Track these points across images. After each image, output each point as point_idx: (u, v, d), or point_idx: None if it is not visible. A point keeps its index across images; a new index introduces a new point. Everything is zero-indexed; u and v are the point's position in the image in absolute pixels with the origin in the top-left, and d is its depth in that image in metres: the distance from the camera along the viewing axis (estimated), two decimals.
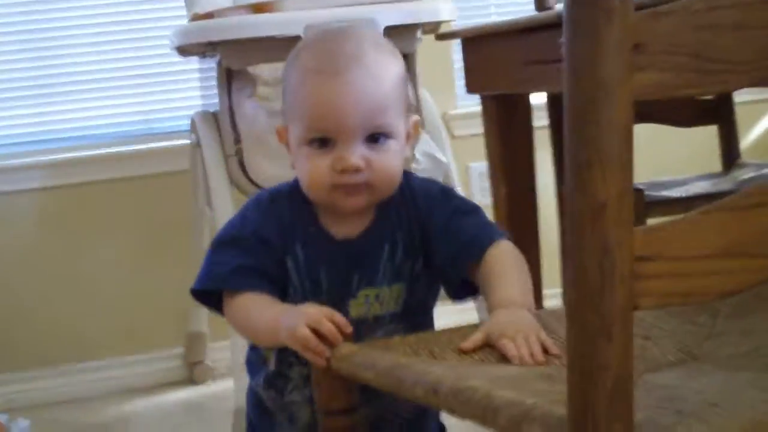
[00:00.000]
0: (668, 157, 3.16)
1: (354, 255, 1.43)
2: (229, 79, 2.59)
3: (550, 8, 2.47)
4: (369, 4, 2.52)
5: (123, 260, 3.10)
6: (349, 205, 1.38)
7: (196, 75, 3.05)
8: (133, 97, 3.17)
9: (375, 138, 1.37)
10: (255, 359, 1.50)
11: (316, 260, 1.41)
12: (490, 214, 2.63)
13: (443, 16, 2.58)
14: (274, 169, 2.56)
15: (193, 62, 2.95)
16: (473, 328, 1.33)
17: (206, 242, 2.91)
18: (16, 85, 3.08)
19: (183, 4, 2.88)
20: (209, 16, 2.52)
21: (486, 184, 3.34)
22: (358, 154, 1.36)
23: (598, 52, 0.84)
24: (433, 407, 1.08)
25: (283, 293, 1.41)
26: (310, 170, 1.37)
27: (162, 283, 3.11)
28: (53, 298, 3.06)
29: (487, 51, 2.20)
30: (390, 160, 1.38)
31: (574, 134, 0.85)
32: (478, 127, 2.32)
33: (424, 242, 1.44)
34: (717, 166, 2.77)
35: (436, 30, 2.63)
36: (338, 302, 1.39)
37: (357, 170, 1.35)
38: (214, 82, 2.72)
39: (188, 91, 3.14)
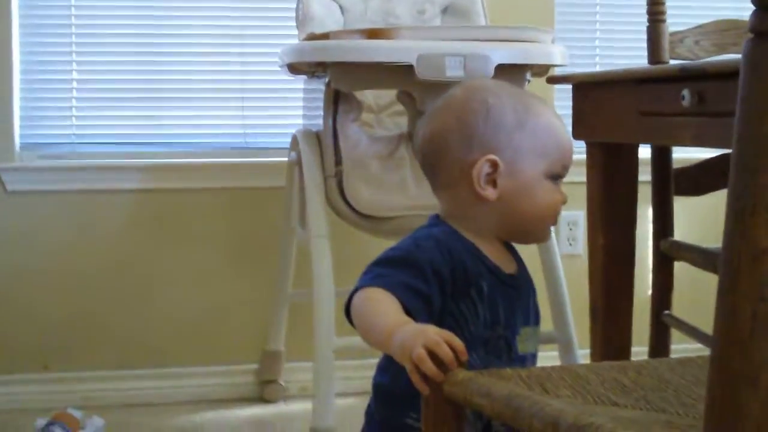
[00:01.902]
0: None
1: (517, 290, 1.51)
2: (336, 100, 2.61)
3: (664, 62, 2.46)
4: (483, 41, 2.52)
5: (208, 270, 3.12)
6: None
7: (297, 94, 3.07)
8: (234, 110, 3.20)
9: None
10: (406, 391, 1.39)
11: (495, 293, 1.46)
12: (581, 264, 2.63)
13: (555, 60, 2.58)
14: (371, 194, 2.57)
15: (294, 81, 2.97)
16: (583, 366, 1.33)
17: (292, 260, 2.94)
18: (126, 87, 3.13)
19: (288, 22, 2.92)
20: (325, 37, 2.53)
21: (575, 233, 3.35)
22: None
23: None
24: None
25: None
26: (551, 202, 1.51)
27: (244, 297, 3.12)
28: (135, 301, 3.09)
29: (598, 98, 2.19)
30: None
31: (740, 179, 0.84)
32: (570, 175, 2.28)
33: None
34: None
35: (545, 73, 2.62)
36: (510, 336, 1.46)
37: None
38: (317, 103, 2.74)
39: (287, 109, 3.16)
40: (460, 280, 1.43)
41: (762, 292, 0.83)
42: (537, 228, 1.53)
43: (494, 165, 1.46)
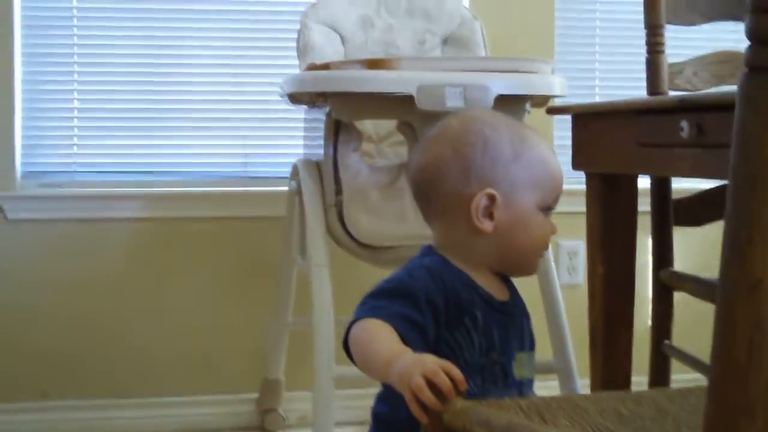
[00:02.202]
0: None
1: (511, 317, 1.52)
2: (337, 130, 2.62)
3: (663, 93, 2.47)
4: (483, 72, 2.53)
5: (207, 299, 3.12)
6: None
7: (297, 123, 3.08)
8: (234, 139, 3.21)
9: None
10: (407, 420, 1.38)
11: (489, 321, 1.47)
12: (581, 293, 2.63)
13: (555, 91, 2.59)
14: (371, 223, 2.58)
15: (295, 111, 2.99)
16: (582, 397, 1.33)
17: (292, 289, 2.94)
18: (128, 116, 3.14)
19: (288, 52, 2.93)
20: (325, 67, 2.55)
21: (575, 263, 3.36)
22: None
23: None
24: None
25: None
26: (544, 233, 1.53)
27: (244, 326, 3.12)
28: (133, 329, 3.09)
29: (597, 129, 2.20)
30: None
31: (737, 210, 0.85)
32: (570, 205, 2.28)
33: None
34: None
35: (544, 103, 2.63)
36: (506, 362, 1.47)
37: None
38: (317, 132, 2.75)
39: (288, 139, 3.17)
40: (453, 309, 1.43)
41: (759, 322, 0.83)
42: (529, 260, 1.54)
43: (492, 199, 1.47)
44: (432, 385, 1.23)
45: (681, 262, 2.57)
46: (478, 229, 1.47)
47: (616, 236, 2.28)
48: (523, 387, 1.50)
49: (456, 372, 1.24)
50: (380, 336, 1.36)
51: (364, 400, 3.06)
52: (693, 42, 3.19)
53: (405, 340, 1.36)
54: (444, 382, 1.22)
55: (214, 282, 3.13)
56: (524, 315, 1.55)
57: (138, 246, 3.10)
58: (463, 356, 1.43)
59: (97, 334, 3.07)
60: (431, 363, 1.25)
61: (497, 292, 1.52)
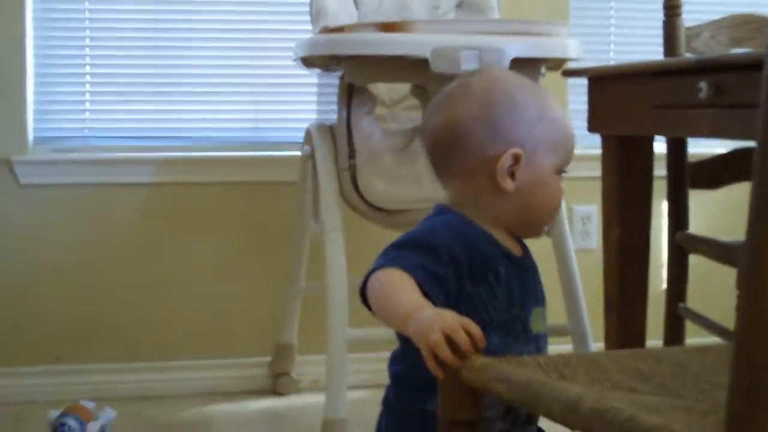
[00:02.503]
0: None
1: (527, 272, 1.52)
2: (350, 94, 2.61)
3: (679, 56, 2.45)
4: (498, 34, 2.52)
5: (220, 264, 3.12)
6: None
7: (310, 89, 3.07)
8: (247, 104, 3.21)
9: None
10: (426, 378, 1.34)
11: (510, 276, 1.46)
12: (595, 258, 2.63)
13: (570, 54, 2.57)
14: (385, 186, 2.58)
15: (308, 75, 2.97)
16: (601, 354, 1.32)
17: (305, 254, 2.94)
18: (139, 81, 3.13)
19: (301, 16, 2.92)
20: (339, 30, 2.53)
21: (588, 228, 3.34)
22: None
23: None
24: (569, 426, 1.06)
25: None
26: (558, 197, 1.53)
27: (256, 290, 3.12)
28: (147, 294, 3.09)
29: (614, 91, 2.19)
30: None
31: (763, 178, 0.84)
32: (584, 170, 2.26)
33: None
34: None
35: (559, 67, 2.62)
36: (525, 317, 1.46)
37: None
38: (330, 97, 2.74)
39: (300, 104, 3.16)
40: (477, 265, 1.43)
41: None
42: (543, 220, 1.54)
43: (517, 158, 1.46)
44: (450, 341, 1.22)
45: (696, 226, 2.56)
46: (501, 188, 1.47)
47: (632, 199, 2.27)
48: (539, 341, 1.49)
49: (475, 329, 1.23)
50: (401, 287, 1.35)
51: (376, 363, 3.09)
52: (709, 6, 3.18)
53: (426, 292, 1.35)
54: (463, 339, 1.22)
55: (227, 246, 3.13)
56: (536, 270, 1.56)
57: (150, 211, 3.09)
58: (488, 312, 1.42)
59: (110, 298, 3.07)
60: (451, 319, 1.24)
61: (514, 248, 1.52)
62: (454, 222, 1.48)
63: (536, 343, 1.48)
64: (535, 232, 1.56)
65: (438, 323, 1.23)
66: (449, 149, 1.51)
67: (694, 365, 1.28)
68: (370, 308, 1.42)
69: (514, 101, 1.48)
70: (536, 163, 1.48)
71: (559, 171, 1.51)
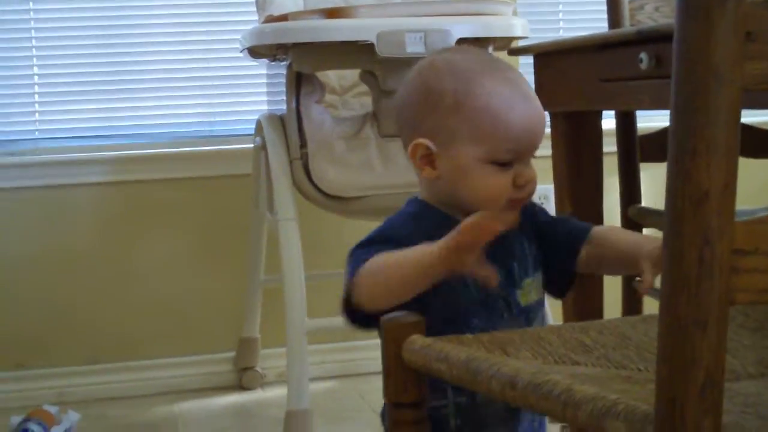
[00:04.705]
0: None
1: (508, 246, 1.46)
2: (299, 83, 2.59)
3: (623, 27, 2.45)
4: (443, 15, 2.51)
5: (179, 260, 3.10)
6: (514, 221, 1.43)
7: (261, 80, 3.05)
8: (198, 98, 3.18)
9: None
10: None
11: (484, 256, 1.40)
12: None
13: (517, 32, 2.57)
14: (337, 174, 2.56)
15: (260, 67, 2.96)
16: (545, 329, 1.32)
17: (263, 246, 2.93)
18: (89, 80, 3.11)
19: (250, 8, 2.90)
20: (283, 18, 2.52)
21: (546, 206, 3.32)
22: (534, 170, 1.46)
23: (711, 37, 0.82)
24: (509, 401, 1.06)
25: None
26: (490, 186, 1.43)
27: (216, 286, 3.11)
28: (106, 294, 3.07)
29: (560, 67, 2.18)
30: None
31: (680, 121, 0.84)
32: (540, 149, 2.25)
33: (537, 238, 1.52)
34: None
35: (507, 46, 2.61)
36: (508, 294, 1.44)
37: (534, 183, 1.45)
38: (280, 87, 2.72)
39: (252, 95, 3.14)
40: None
41: (707, 235, 0.82)
42: (484, 208, 1.41)
43: (424, 148, 1.45)
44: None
45: (648, 199, 2.57)
46: (423, 173, 1.46)
47: (583, 175, 2.26)
48: (530, 313, 1.46)
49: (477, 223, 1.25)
50: (399, 255, 1.34)
51: (339, 353, 3.09)
52: None
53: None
54: (476, 234, 1.24)
55: (185, 243, 3.11)
56: (524, 239, 1.49)
57: (105, 211, 3.07)
58: (460, 298, 1.40)
59: (69, 301, 3.05)
60: (454, 234, 1.26)
61: None
62: (413, 210, 1.48)
63: (526, 316, 1.45)
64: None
65: (447, 241, 1.26)
66: (398, 134, 1.52)
67: (637, 335, 1.28)
68: (354, 322, 1.40)
69: (429, 90, 1.45)
70: (453, 153, 1.43)
71: (494, 160, 1.43)
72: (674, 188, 0.84)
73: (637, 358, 1.18)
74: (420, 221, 1.45)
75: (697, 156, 0.82)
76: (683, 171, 0.83)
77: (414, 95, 1.47)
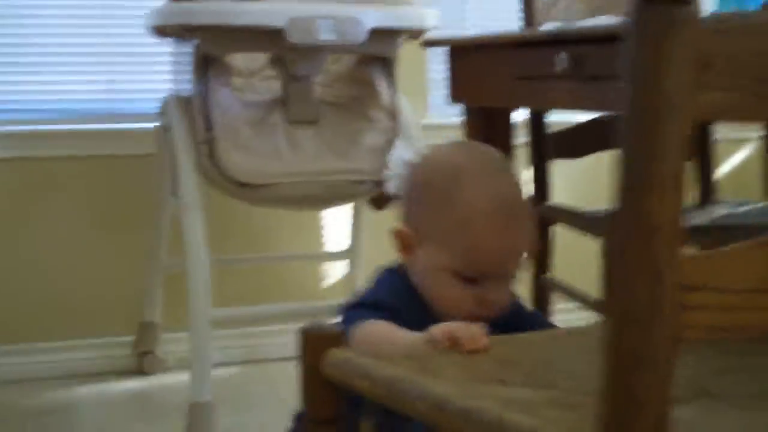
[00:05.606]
0: None
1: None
2: (206, 65, 2.53)
3: (537, 25, 2.44)
4: (354, 4, 2.47)
5: (76, 241, 3.02)
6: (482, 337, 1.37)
7: (166, 58, 2.97)
8: (100, 74, 3.09)
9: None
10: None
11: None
12: None
13: (428, 23, 2.54)
14: (244, 160, 2.51)
15: (164, 45, 2.88)
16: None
17: (167, 229, 2.85)
18: None
19: None
20: None
21: None
22: (505, 292, 1.43)
23: (664, 64, 0.79)
24: (435, 424, 1.03)
25: None
26: (451, 297, 1.42)
27: (118, 268, 3.04)
28: (2, 274, 2.97)
29: (476, 62, 2.17)
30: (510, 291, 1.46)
31: (631, 151, 0.80)
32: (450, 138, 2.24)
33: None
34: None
35: (417, 37, 2.59)
36: None
37: (503, 303, 1.43)
38: (186, 67, 2.65)
39: (156, 74, 3.05)
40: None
41: (657, 271, 0.80)
42: (445, 314, 1.41)
43: (404, 235, 1.47)
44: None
45: (559, 195, 2.57)
46: (401, 257, 1.48)
47: None
48: None
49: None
50: (393, 334, 1.35)
51: (245, 339, 3.04)
52: None
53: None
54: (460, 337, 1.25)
55: (86, 223, 3.02)
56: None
57: (1, 188, 2.97)
58: None
59: None
60: (435, 330, 1.27)
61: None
62: (399, 290, 1.47)
63: None
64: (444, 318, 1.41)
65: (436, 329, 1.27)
66: None
67: (563, 350, 1.26)
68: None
69: (422, 186, 1.47)
70: (427, 251, 1.44)
71: (460, 276, 1.41)
72: (622, 222, 0.81)
73: (564, 376, 1.16)
74: (404, 299, 1.45)
75: (649, 190, 0.79)
76: (634, 203, 0.80)
77: (409, 183, 1.50)
